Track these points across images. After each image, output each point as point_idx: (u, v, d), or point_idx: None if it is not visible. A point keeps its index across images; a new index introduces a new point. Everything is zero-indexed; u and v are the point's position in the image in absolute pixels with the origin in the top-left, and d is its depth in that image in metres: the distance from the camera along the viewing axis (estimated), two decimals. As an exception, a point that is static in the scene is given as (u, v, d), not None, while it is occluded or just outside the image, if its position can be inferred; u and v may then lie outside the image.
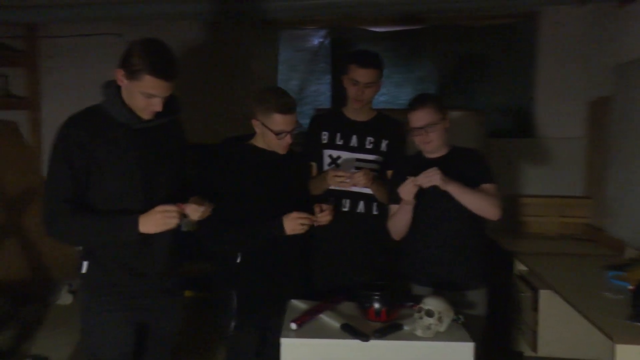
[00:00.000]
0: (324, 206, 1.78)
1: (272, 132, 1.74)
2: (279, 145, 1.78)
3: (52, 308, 3.20)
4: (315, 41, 3.81)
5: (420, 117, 1.85)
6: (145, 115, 1.53)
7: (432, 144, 1.87)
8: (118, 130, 1.51)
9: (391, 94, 3.74)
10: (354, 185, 1.92)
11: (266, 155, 1.81)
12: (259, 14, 3.41)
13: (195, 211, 1.52)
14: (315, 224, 1.76)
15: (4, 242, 3.17)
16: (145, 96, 1.47)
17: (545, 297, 2.36)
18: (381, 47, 3.72)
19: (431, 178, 1.74)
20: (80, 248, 1.59)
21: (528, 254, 2.72)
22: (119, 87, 1.52)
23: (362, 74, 1.99)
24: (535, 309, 2.41)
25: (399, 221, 1.90)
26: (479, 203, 1.81)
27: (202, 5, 3.30)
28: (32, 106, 3.85)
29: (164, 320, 1.66)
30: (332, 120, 2.13)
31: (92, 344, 1.57)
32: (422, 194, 1.80)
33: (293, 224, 1.70)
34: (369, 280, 1.85)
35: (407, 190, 1.76)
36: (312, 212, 1.76)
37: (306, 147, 2.13)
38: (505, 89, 3.67)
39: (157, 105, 1.49)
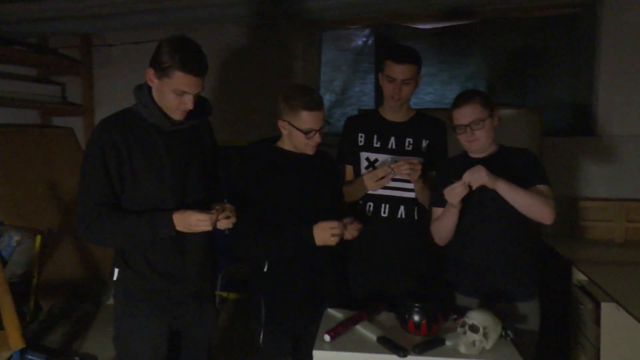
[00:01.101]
0: (346, 221, 1.68)
1: (300, 131, 1.67)
2: (308, 144, 1.70)
3: (104, 307, 3.33)
4: (359, 41, 3.73)
5: (465, 114, 1.73)
6: (177, 116, 1.52)
7: (478, 143, 1.74)
8: (150, 132, 1.52)
9: (438, 93, 3.59)
10: (399, 175, 1.83)
11: (293, 157, 1.75)
12: (301, 14, 3.38)
13: (226, 223, 1.50)
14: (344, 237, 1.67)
15: (60, 243, 3.31)
16: (176, 94, 1.46)
17: (608, 311, 2.14)
18: (427, 44, 3.60)
19: (477, 175, 1.61)
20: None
21: (588, 262, 2.50)
22: (150, 89, 1.52)
23: (398, 70, 1.88)
24: (597, 322, 2.21)
25: (444, 226, 1.78)
26: (532, 204, 1.66)
27: (245, 7, 3.32)
28: (87, 113, 4.04)
29: (198, 327, 1.65)
30: (369, 122, 2.03)
31: (126, 350, 1.58)
32: (468, 196, 1.68)
33: (324, 234, 1.62)
34: (411, 289, 1.76)
35: (456, 193, 1.64)
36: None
37: (341, 149, 2.06)
38: (562, 84, 3.43)
39: (188, 103, 1.49)
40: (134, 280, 1.54)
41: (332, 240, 1.63)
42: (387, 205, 1.95)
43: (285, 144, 1.77)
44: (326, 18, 3.55)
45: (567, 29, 3.37)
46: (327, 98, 3.79)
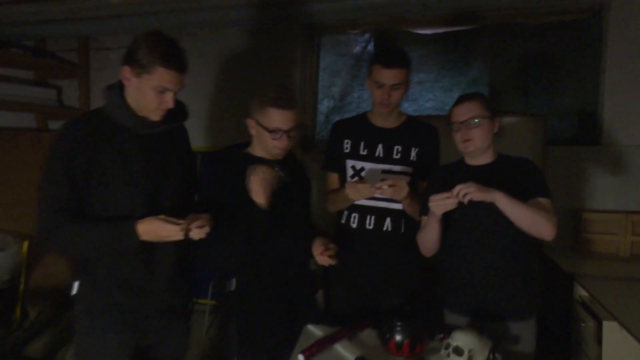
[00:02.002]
0: (332, 246, 1.57)
1: (267, 131, 1.56)
2: (275, 147, 1.59)
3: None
4: (358, 46, 3.66)
5: (463, 111, 1.63)
6: (156, 116, 1.43)
7: (472, 143, 1.63)
8: (121, 135, 1.43)
9: (439, 99, 3.50)
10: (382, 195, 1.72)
11: (260, 163, 1.63)
12: (299, 18, 3.33)
13: (198, 233, 1.41)
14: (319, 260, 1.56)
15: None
16: (157, 91, 1.38)
17: (610, 330, 2.03)
18: (428, 50, 3.52)
19: (466, 191, 1.50)
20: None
21: (591, 277, 2.39)
22: (122, 89, 1.43)
23: (387, 75, 1.78)
24: (599, 342, 2.10)
25: (427, 237, 1.68)
26: (531, 218, 1.54)
27: (243, 11, 3.27)
28: (84, 116, 3.98)
29: (169, 344, 1.55)
30: (356, 127, 1.93)
31: None
32: (460, 208, 1.58)
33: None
34: (397, 306, 1.66)
35: (442, 204, 1.53)
36: (313, 225, 1.58)
37: (327, 156, 1.96)
38: (567, 92, 3.32)
39: (169, 101, 1.41)
40: (94, 294, 1.45)
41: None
42: (373, 217, 1.85)
43: (255, 149, 1.67)
44: (325, 22, 3.49)
45: (572, 35, 3.27)
46: (326, 104, 3.72)
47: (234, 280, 1.61)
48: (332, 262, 1.58)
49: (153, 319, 1.51)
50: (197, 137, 3.70)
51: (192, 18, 3.38)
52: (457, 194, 1.50)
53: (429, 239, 1.68)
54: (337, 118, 3.66)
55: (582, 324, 2.25)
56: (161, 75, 1.36)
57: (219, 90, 3.73)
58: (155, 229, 1.35)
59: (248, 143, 1.73)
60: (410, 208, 1.80)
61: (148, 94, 1.39)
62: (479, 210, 1.61)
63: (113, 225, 1.38)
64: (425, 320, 1.49)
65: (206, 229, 1.42)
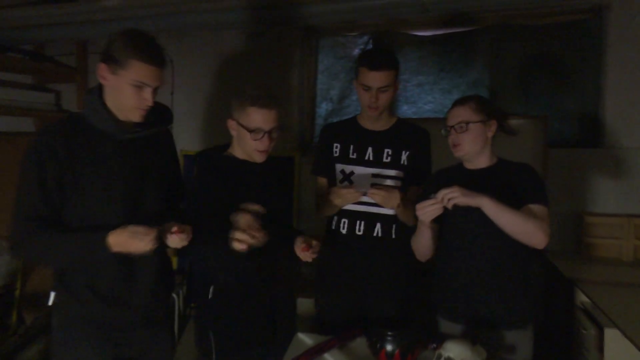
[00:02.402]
0: (314, 243, 1.54)
1: (247, 130, 1.53)
2: (255, 146, 1.55)
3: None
4: (357, 48, 3.63)
5: (453, 115, 1.63)
6: (136, 116, 1.39)
7: (460, 148, 1.62)
8: (98, 140, 1.38)
9: (438, 102, 3.46)
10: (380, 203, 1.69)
11: (242, 166, 1.61)
12: (297, 20, 3.30)
13: (175, 242, 1.37)
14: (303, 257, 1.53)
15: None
16: (134, 88, 1.33)
17: (612, 338, 1.98)
18: (427, 52, 3.49)
19: (451, 195, 1.47)
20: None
21: (593, 282, 2.34)
22: (100, 92, 1.39)
23: (374, 78, 1.73)
24: (600, 349, 2.05)
25: (419, 242, 1.66)
26: (521, 226, 1.51)
27: (241, 13, 3.26)
28: (82, 120, 3.97)
29: (152, 355, 1.51)
30: (346, 130, 1.90)
31: None
32: (452, 213, 1.55)
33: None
34: (389, 314, 1.62)
35: (427, 211, 1.51)
36: (293, 231, 1.55)
37: (316, 160, 1.93)
38: (569, 93, 3.27)
39: (149, 98, 1.36)
40: (71, 306, 1.40)
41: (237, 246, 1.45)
42: (363, 222, 1.81)
43: (236, 151, 1.63)
44: (323, 25, 3.46)
45: (573, 36, 3.22)
46: (324, 107, 3.69)
47: (211, 289, 1.57)
48: (313, 256, 1.55)
49: (134, 331, 1.46)
50: (194, 140, 3.69)
51: (190, 21, 3.37)
52: (442, 199, 1.48)
53: (421, 244, 1.66)
54: (336, 120, 3.64)
55: (583, 331, 2.20)
56: (137, 70, 1.32)
57: (217, 93, 3.71)
58: (124, 243, 1.31)
59: (228, 145, 1.69)
60: (403, 215, 1.76)
61: (125, 91, 1.34)
62: (472, 215, 1.57)
63: (84, 236, 1.34)
64: (417, 329, 1.45)
65: (184, 236, 1.38)
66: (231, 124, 1.59)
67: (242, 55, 3.66)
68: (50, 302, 1.43)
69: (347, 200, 1.69)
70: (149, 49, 1.34)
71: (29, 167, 1.34)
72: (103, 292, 1.41)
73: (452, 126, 1.61)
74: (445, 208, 1.51)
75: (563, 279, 2.45)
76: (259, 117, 1.53)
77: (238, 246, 1.42)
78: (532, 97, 3.36)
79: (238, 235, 1.43)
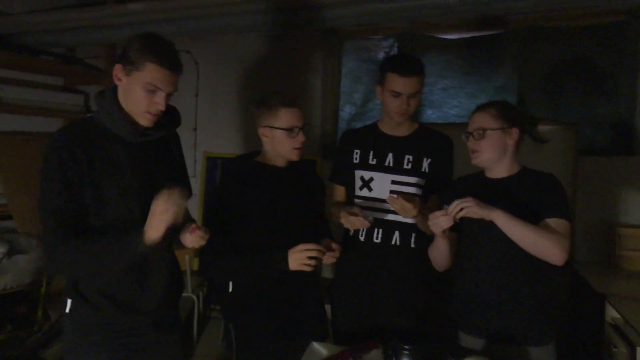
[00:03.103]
0: (334, 245, 1.55)
1: (283, 130, 1.59)
2: (292, 147, 1.61)
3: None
4: (381, 51, 3.58)
5: (473, 120, 1.59)
6: (146, 121, 1.37)
7: (479, 155, 1.56)
8: (113, 144, 1.37)
9: (464, 106, 3.38)
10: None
11: (273, 172, 1.65)
12: (319, 23, 3.27)
13: (195, 241, 1.37)
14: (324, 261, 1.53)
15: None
16: (147, 91, 1.33)
17: (645, 357, 1.89)
18: (453, 55, 3.41)
19: (463, 205, 1.43)
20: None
21: (624, 298, 2.23)
22: (115, 95, 1.39)
23: (405, 84, 1.70)
24: (632, 369, 1.95)
25: (437, 253, 1.62)
26: (536, 241, 1.45)
27: (263, 16, 3.25)
28: (109, 122, 4.05)
29: (162, 358, 1.50)
30: (366, 136, 1.86)
31: None
32: (469, 224, 1.50)
33: (299, 258, 1.48)
34: (406, 326, 1.57)
35: (438, 223, 1.47)
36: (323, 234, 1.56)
37: (334, 167, 1.90)
38: (601, 99, 3.14)
39: (160, 102, 1.35)
40: (87, 313, 1.39)
41: (307, 266, 1.48)
42: (381, 230, 1.77)
43: (266, 158, 1.66)
44: (345, 27, 3.43)
45: (607, 38, 3.09)
46: (347, 110, 3.66)
47: (230, 283, 1.60)
48: (332, 260, 1.59)
49: (144, 335, 1.46)
50: (217, 143, 3.71)
51: (212, 24, 3.38)
52: (452, 211, 1.44)
53: (438, 254, 1.62)
54: (359, 124, 3.59)
55: (614, 349, 2.09)
56: (151, 72, 1.31)
57: (240, 96, 3.72)
58: (157, 224, 1.27)
59: (256, 153, 1.72)
60: (422, 224, 1.71)
61: (137, 93, 1.32)
62: (493, 227, 1.50)
63: (120, 239, 1.32)
64: (436, 343, 1.40)
65: (203, 234, 1.37)
66: (263, 131, 1.63)
67: (264, 58, 3.67)
68: (67, 309, 1.42)
69: (354, 226, 1.68)
70: (164, 53, 1.34)
71: (52, 169, 1.31)
72: (117, 297, 1.41)
73: (471, 132, 1.57)
74: (461, 218, 1.47)
75: (593, 293, 2.35)
76: (291, 116, 1.59)
77: (307, 267, 1.49)
78: (563, 102, 3.25)
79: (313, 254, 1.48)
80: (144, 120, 1.38)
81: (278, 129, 1.59)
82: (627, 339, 2.01)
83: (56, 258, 1.33)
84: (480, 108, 1.61)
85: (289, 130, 1.59)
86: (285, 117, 1.59)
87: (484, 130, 1.54)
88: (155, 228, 1.28)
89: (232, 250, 1.55)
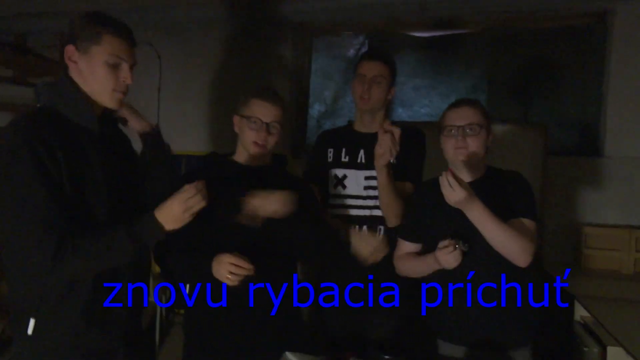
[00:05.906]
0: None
1: (248, 119, 1.52)
2: (252, 138, 1.51)
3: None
4: (352, 49, 3.52)
5: (463, 115, 1.49)
6: (114, 101, 1.25)
7: (468, 152, 1.48)
8: (78, 135, 1.22)
9: (434, 105, 3.37)
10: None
11: (235, 168, 1.57)
12: (289, 17, 3.20)
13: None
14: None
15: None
16: (110, 66, 1.21)
17: (616, 356, 1.90)
18: (424, 54, 3.39)
19: (449, 192, 1.35)
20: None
21: (593, 297, 2.25)
22: (73, 82, 1.24)
23: (368, 67, 1.74)
24: (603, 369, 1.96)
25: (417, 272, 1.57)
26: (505, 239, 1.40)
27: (232, 10, 3.14)
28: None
29: None
30: (339, 136, 1.87)
31: None
32: (447, 227, 1.46)
33: (219, 270, 1.35)
34: (388, 334, 1.51)
35: (450, 257, 1.39)
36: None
37: (309, 167, 1.88)
38: (569, 100, 3.20)
39: (127, 76, 1.24)
40: (58, 334, 1.20)
41: (229, 280, 1.34)
42: (364, 228, 1.74)
43: (239, 156, 1.59)
44: (316, 23, 3.35)
45: (575, 41, 3.15)
46: (317, 108, 3.58)
47: (193, 297, 1.51)
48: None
49: (115, 352, 1.30)
50: (184, 140, 3.55)
51: (177, 15, 3.27)
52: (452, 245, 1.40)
53: (420, 274, 1.56)
54: (328, 123, 3.54)
55: (585, 349, 2.10)
56: (111, 44, 1.21)
57: (207, 93, 3.57)
58: (169, 206, 1.20)
59: (231, 152, 1.65)
60: (385, 191, 1.64)
61: (99, 71, 1.20)
62: (465, 230, 1.45)
63: (132, 225, 1.20)
64: (415, 352, 1.34)
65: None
66: (235, 120, 1.58)
67: (232, 54, 3.53)
68: (29, 332, 1.18)
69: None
70: (119, 23, 1.24)
71: (24, 168, 1.11)
72: (98, 315, 1.24)
73: (462, 126, 1.48)
74: (439, 231, 1.45)
75: (562, 293, 2.36)
76: (259, 108, 1.53)
77: (229, 282, 1.36)
78: (532, 103, 3.29)
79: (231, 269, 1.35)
80: (112, 101, 1.26)
81: (244, 117, 1.54)
82: (597, 338, 2.02)
83: (48, 279, 1.17)
84: (466, 103, 1.54)
85: (251, 120, 1.52)
86: (253, 107, 1.53)
87: (480, 126, 1.48)
88: (174, 221, 1.22)
89: (181, 249, 1.45)
